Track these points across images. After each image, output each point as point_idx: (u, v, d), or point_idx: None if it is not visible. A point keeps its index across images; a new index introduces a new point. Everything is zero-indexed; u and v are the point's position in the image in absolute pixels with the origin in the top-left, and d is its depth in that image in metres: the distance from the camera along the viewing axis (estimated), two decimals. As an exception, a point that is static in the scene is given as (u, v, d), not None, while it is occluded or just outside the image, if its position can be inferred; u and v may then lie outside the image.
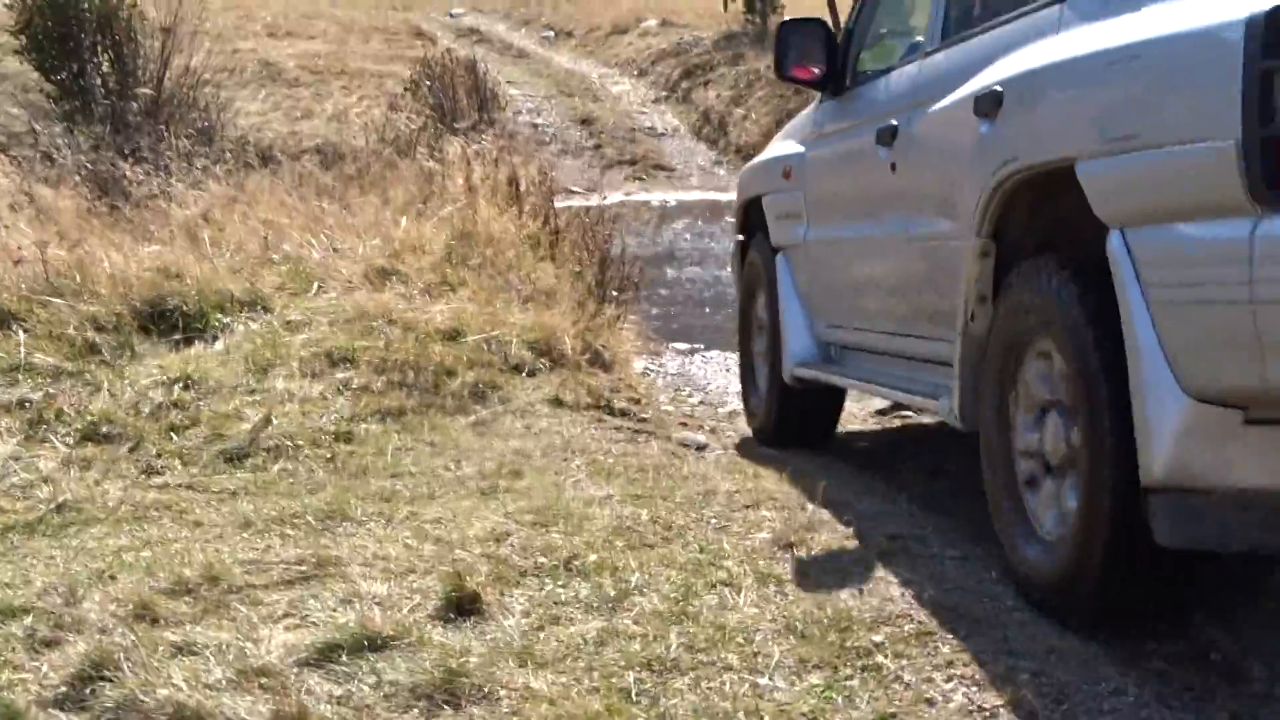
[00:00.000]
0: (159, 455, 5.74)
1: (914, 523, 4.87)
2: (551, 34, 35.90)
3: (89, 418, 5.99)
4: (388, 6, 39.45)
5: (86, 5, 14.27)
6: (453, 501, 5.09)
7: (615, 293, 8.94)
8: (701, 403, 8.03)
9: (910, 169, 4.95)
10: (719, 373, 8.96)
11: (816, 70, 6.00)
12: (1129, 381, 3.49)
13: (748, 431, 6.90)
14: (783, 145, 6.66)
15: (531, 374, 6.91)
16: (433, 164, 11.32)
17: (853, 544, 4.53)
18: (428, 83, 19.53)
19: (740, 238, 7.26)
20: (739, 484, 5.27)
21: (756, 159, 7.23)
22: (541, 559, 4.36)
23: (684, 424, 6.94)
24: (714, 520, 4.80)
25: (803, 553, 4.44)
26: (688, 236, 16.96)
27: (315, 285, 7.91)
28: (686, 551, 4.43)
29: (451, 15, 39.50)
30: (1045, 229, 4.20)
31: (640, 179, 22.17)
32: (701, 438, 6.41)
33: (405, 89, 20.22)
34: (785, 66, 6.07)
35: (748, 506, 4.96)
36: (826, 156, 6.01)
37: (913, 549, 4.51)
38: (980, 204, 4.23)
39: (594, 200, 17.91)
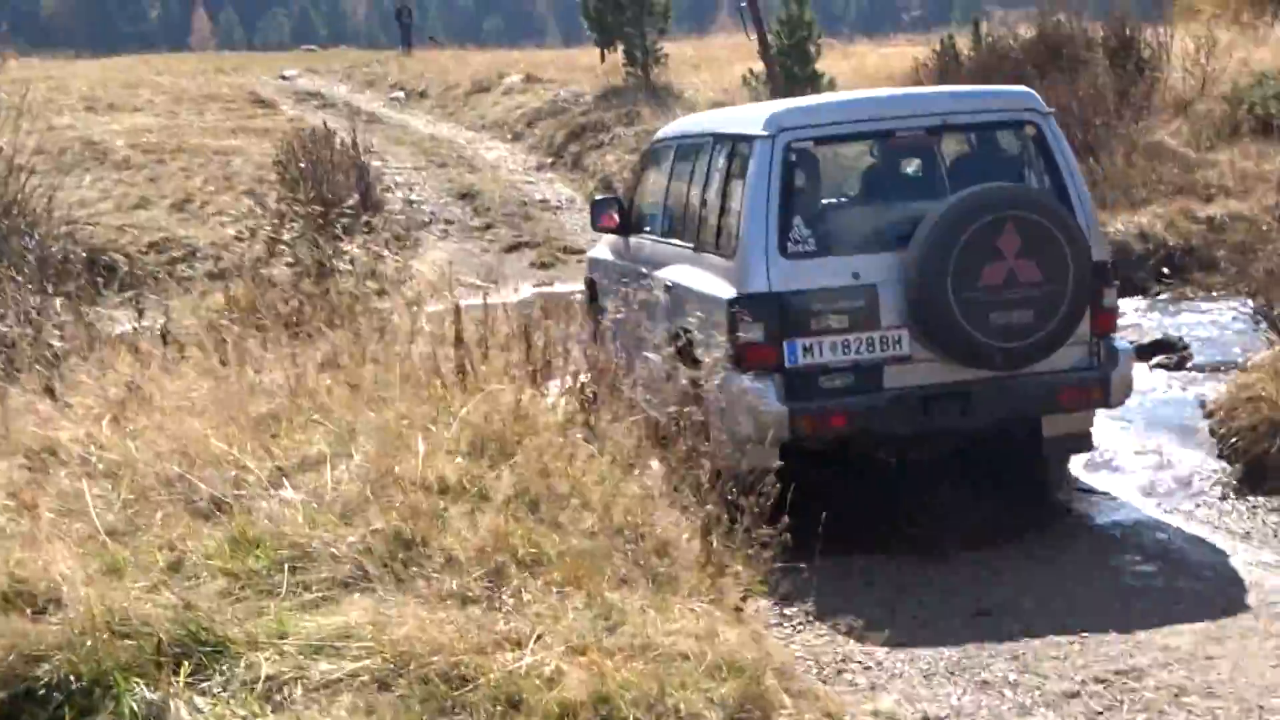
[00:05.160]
0: None
1: None
2: (402, 95, 32.49)
3: None
4: (213, 71, 35.69)
5: None
6: None
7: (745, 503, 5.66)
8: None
9: (648, 293, 8.23)
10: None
11: (616, 221, 9.89)
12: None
13: None
14: (604, 249, 10.54)
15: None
16: (383, 303, 7.94)
17: None
18: (301, 164, 16.04)
19: (588, 293, 10.93)
20: None
21: (594, 252, 11.05)
22: None
23: None
24: None
25: None
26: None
27: (285, 575, 4.53)
28: None
29: (284, 78, 35.90)
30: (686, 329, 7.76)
31: (548, 265, 18.88)
32: None
33: (275, 170, 16.73)
34: (597, 222, 10.09)
35: None
36: (620, 267, 9.76)
37: None
38: (668, 333, 7.93)
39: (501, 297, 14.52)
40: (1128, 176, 15.72)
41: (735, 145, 8.01)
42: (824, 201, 8.41)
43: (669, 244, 8.88)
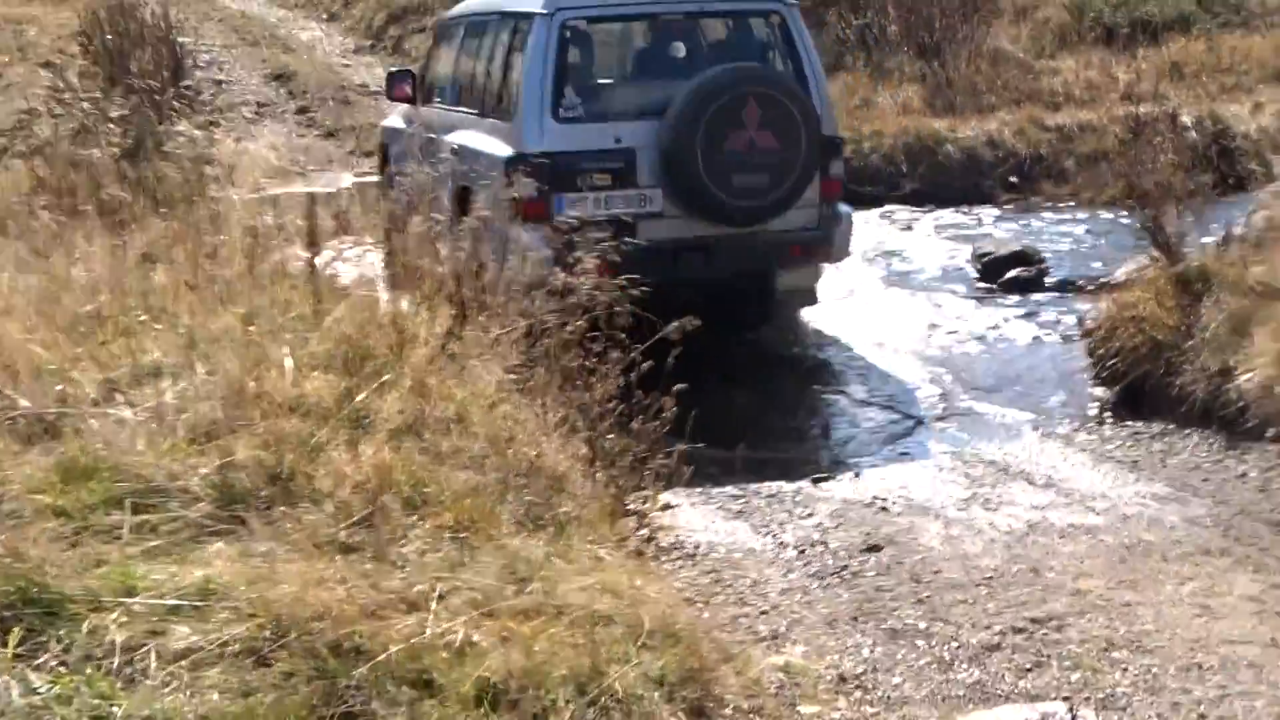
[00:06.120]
0: None
1: None
2: (208, -33, 30.72)
3: None
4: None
5: None
6: None
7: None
8: None
9: (436, 156, 8.93)
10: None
11: (408, 93, 10.90)
12: None
13: None
14: (397, 119, 11.35)
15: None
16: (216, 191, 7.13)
17: None
18: (107, 36, 14.85)
19: (379, 158, 12.09)
20: None
21: (386, 122, 12.05)
22: None
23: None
24: None
25: None
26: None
27: (127, 514, 3.84)
28: None
29: (80, -58, 33.68)
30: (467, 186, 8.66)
31: (370, 153, 17.89)
32: None
33: (77, 42, 15.50)
34: (392, 93, 11.10)
35: None
36: (414, 133, 9.67)
37: None
38: (452, 190, 8.60)
39: (321, 186, 13.59)
40: (973, 82, 15.44)
41: (518, 22, 8.94)
42: (594, 74, 9.45)
43: (457, 111, 9.87)
